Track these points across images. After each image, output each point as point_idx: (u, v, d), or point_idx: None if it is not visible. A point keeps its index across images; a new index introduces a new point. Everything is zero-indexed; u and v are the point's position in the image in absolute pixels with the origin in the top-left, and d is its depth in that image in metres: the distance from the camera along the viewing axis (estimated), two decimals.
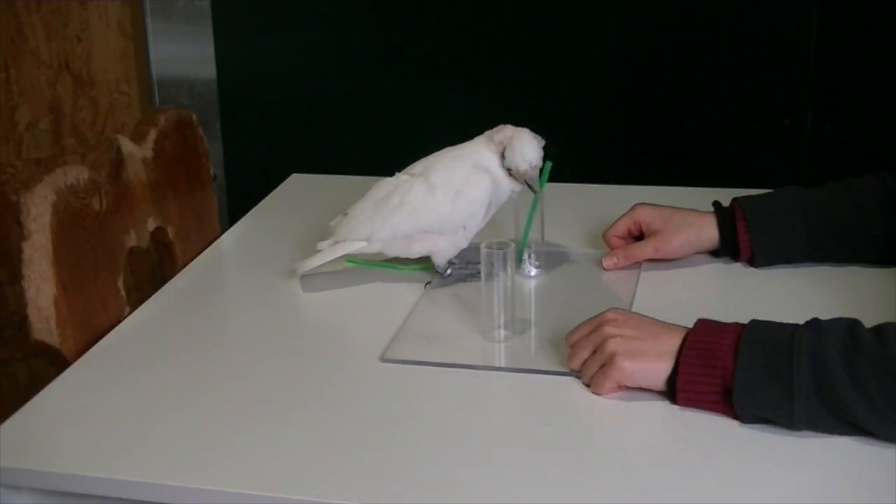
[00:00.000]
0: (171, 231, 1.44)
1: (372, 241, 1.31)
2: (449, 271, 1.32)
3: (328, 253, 1.33)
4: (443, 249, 1.31)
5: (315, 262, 1.33)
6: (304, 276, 1.34)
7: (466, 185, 1.29)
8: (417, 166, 1.33)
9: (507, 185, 1.30)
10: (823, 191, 1.33)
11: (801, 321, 1.01)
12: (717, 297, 1.31)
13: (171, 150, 1.46)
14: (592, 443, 1.00)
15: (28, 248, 1.15)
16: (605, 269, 1.36)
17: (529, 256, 1.35)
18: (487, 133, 1.30)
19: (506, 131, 1.29)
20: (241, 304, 1.36)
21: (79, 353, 1.19)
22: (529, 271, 1.35)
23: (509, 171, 1.28)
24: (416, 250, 1.32)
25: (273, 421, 1.04)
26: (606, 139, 2.36)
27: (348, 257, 1.35)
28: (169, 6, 2.28)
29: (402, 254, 1.32)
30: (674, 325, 1.06)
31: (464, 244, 1.32)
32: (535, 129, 1.28)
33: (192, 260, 1.46)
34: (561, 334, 1.13)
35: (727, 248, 1.34)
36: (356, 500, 0.92)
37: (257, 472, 0.96)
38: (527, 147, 1.26)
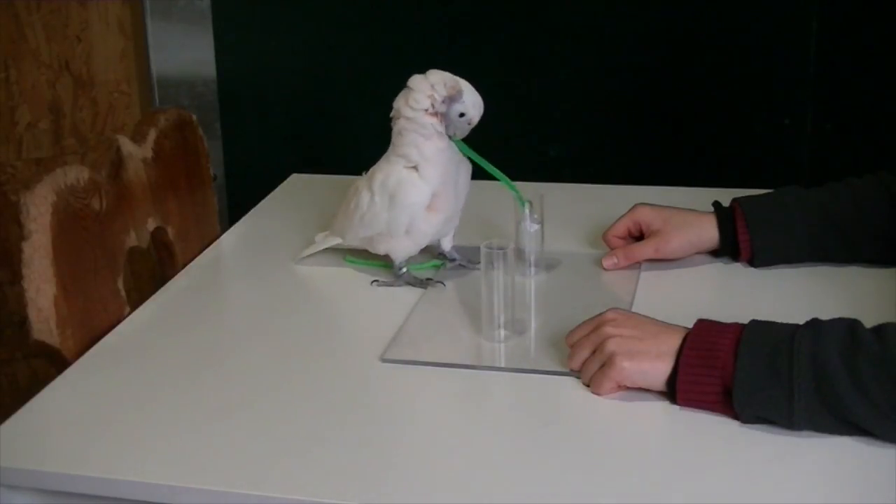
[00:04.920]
0: (171, 231, 1.44)
1: (346, 240, 1.35)
2: (404, 269, 1.32)
3: (320, 244, 1.39)
4: (398, 249, 1.31)
5: (308, 251, 1.39)
6: (299, 264, 1.40)
7: (399, 190, 1.27)
8: (373, 167, 1.33)
9: (455, 157, 1.27)
10: (823, 191, 1.33)
11: (801, 321, 1.01)
12: (717, 297, 1.31)
13: (171, 150, 1.46)
14: (592, 443, 1.00)
15: (28, 248, 1.15)
16: (605, 269, 1.36)
17: (530, 212, 1.33)
18: (404, 104, 1.26)
19: (446, 78, 1.25)
20: (241, 305, 1.36)
21: (79, 353, 1.19)
22: (531, 227, 1.33)
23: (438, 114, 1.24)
24: (380, 249, 1.33)
25: (273, 421, 1.04)
26: (606, 139, 2.36)
27: (347, 256, 1.37)
28: (169, 6, 2.28)
29: (373, 251, 1.34)
30: (674, 325, 1.06)
31: (423, 241, 1.31)
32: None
33: (192, 260, 1.46)
34: (561, 334, 1.13)
35: (727, 249, 1.34)
36: (356, 500, 0.92)
37: (257, 472, 0.96)
38: (476, 96, 1.25)
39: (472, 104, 1.25)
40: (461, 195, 1.32)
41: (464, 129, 1.27)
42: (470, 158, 1.30)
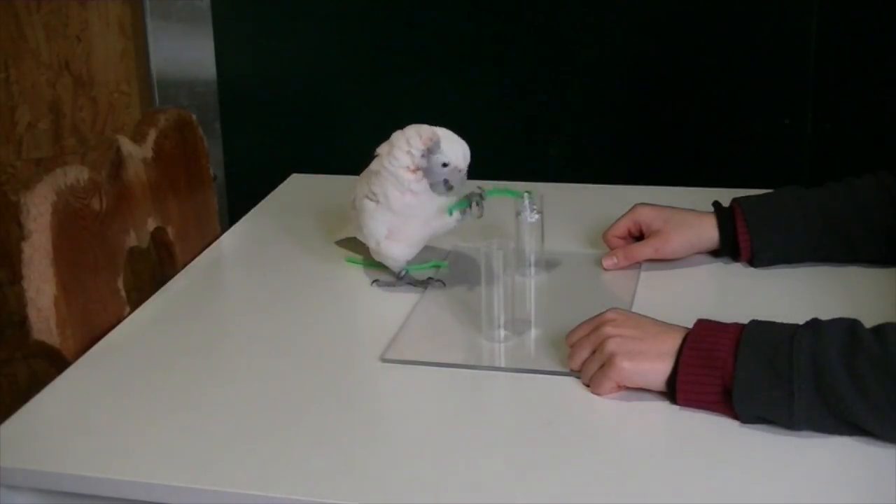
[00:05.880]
0: (171, 231, 1.44)
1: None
2: (404, 272, 1.32)
3: (349, 230, 1.39)
4: (384, 260, 1.32)
5: (343, 234, 1.43)
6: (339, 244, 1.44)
7: (363, 217, 1.29)
8: (356, 180, 1.33)
9: (429, 202, 1.25)
10: (823, 191, 1.34)
11: (801, 321, 1.01)
12: (717, 297, 1.31)
13: (171, 150, 1.46)
14: (592, 443, 1.00)
15: (28, 248, 1.15)
16: (605, 269, 1.36)
17: (529, 203, 1.32)
18: (386, 155, 1.24)
19: (421, 131, 1.22)
20: (241, 305, 1.36)
21: (79, 353, 1.19)
22: (531, 217, 1.32)
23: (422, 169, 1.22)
24: (375, 257, 1.33)
25: (273, 421, 1.04)
26: (606, 139, 2.36)
27: (347, 256, 1.38)
28: (169, 6, 2.28)
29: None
30: (674, 325, 1.06)
31: (403, 259, 1.30)
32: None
33: (192, 260, 1.46)
34: (561, 334, 1.13)
35: (727, 249, 1.34)
36: (356, 500, 0.92)
37: (257, 472, 0.96)
38: (457, 144, 1.23)
39: (452, 152, 1.22)
40: (435, 227, 1.29)
41: (456, 177, 1.23)
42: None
